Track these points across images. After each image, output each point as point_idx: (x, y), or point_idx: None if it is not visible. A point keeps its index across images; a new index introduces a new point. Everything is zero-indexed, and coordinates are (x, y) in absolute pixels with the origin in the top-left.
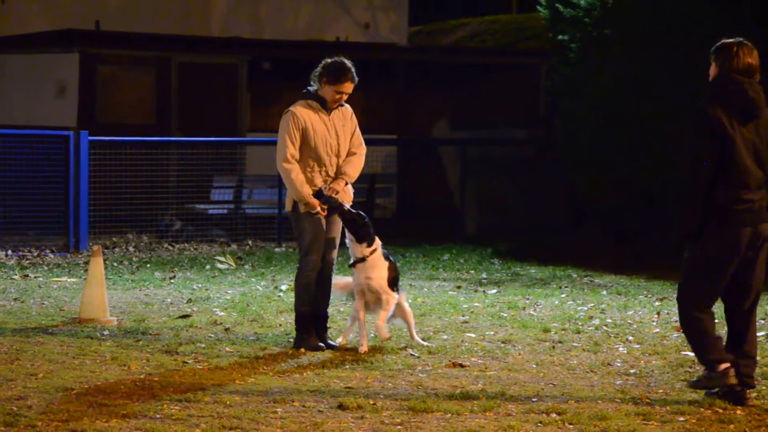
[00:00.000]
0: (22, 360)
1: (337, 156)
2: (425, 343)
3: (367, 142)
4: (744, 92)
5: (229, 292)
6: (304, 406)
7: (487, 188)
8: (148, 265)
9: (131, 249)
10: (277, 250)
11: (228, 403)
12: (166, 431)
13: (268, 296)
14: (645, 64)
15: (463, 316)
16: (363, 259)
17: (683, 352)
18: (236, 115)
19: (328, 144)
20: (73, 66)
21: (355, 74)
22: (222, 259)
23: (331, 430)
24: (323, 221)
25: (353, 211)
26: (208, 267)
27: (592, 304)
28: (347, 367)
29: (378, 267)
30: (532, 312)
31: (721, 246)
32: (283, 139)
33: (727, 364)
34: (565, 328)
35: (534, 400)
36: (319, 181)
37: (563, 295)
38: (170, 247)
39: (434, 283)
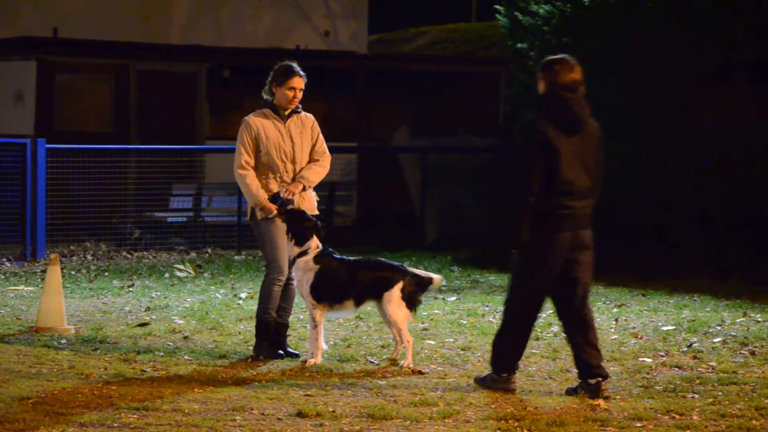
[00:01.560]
0: None
1: (293, 162)
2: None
3: (328, 150)
4: (569, 107)
5: (188, 300)
6: (263, 414)
7: (447, 196)
8: (106, 274)
9: (89, 257)
10: (236, 258)
11: (187, 411)
12: None
13: (227, 304)
14: (603, 72)
15: (422, 323)
16: (293, 260)
17: (641, 358)
18: (195, 123)
19: (281, 150)
20: (30, 73)
21: (301, 71)
22: (181, 267)
23: None
24: (283, 227)
25: (296, 209)
26: (166, 275)
27: (550, 311)
28: (306, 374)
29: (301, 270)
30: (491, 319)
31: (544, 248)
32: (238, 148)
33: (512, 375)
34: None
35: (493, 406)
36: (275, 187)
37: None
38: (129, 255)
39: None
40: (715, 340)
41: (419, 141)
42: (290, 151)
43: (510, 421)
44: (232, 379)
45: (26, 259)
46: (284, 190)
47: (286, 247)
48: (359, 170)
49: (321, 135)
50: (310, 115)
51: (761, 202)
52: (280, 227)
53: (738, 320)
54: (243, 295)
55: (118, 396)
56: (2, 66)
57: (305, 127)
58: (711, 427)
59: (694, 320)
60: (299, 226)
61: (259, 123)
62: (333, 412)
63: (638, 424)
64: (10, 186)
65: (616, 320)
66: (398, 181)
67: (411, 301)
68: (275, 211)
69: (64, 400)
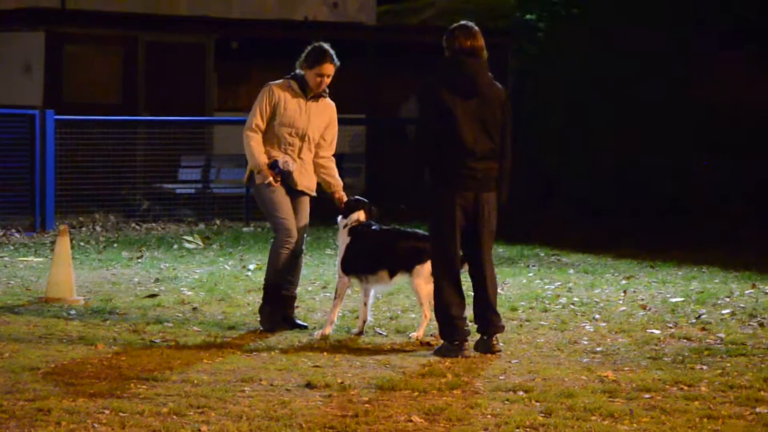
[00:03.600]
0: None
1: (302, 140)
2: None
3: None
4: (462, 70)
5: (197, 271)
6: (271, 385)
7: None
8: (115, 245)
9: (98, 228)
10: (245, 229)
11: (195, 382)
12: (134, 410)
13: (236, 276)
14: (612, 43)
15: None
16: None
17: (649, 330)
18: (204, 94)
19: (294, 125)
20: (39, 44)
21: (334, 57)
22: (190, 238)
23: (299, 409)
24: (284, 192)
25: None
26: (175, 246)
27: (559, 283)
28: (315, 346)
29: (339, 239)
30: (499, 291)
31: (448, 207)
32: (253, 110)
33: (464, 340)
34: (532, 307)
35: (501, 377)
36: (277, 156)
37: (531, 274)
38: (137, 227)
39: None
40: (724, 311)
41: None
42: (303, 129)
43: (518, 392)
44: (241, 351)
45: (35, 230)
46: (283, 161)
47: (290, 209)
48: (367, 142)
49: (336, 131)
50: (332, 104)
51: None
52: (280, 190)
53: (747, 292)
54: (251, 267)
55: (127, 366)
56: (11, 37)
57: (324, 113)
58: (719, 398)
59: (702, 292)
60: (353, 200)
61: (282, 93)
62: (341, 383)
63: (646, 395)
64: (19, 157)
65: (625, 292)
66: (406, 152)
67: None
68: (271, 179)
69: (74, 371)
